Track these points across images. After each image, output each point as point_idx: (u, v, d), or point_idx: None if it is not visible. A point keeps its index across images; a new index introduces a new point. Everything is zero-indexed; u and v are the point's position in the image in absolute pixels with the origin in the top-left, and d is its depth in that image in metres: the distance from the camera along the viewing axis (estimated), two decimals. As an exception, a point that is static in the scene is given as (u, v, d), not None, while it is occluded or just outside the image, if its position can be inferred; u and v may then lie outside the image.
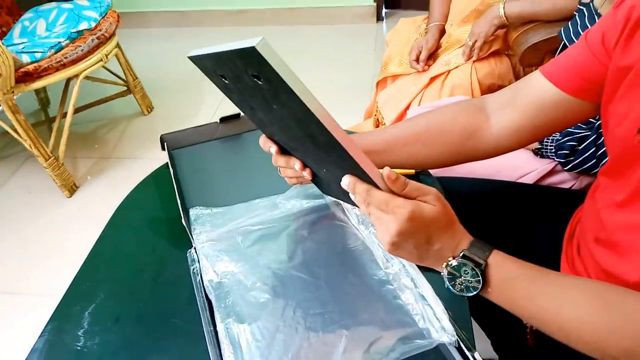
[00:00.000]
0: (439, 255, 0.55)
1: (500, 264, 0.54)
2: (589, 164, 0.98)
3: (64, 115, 1.87)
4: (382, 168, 0.55)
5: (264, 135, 0.69)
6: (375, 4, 2.88)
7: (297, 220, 0.80)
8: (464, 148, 0.74)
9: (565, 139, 1.00)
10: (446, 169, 1.03)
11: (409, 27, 1.69)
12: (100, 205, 1.79)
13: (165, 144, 1.11)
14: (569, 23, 1.09)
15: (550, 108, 0.69)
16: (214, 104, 2.34)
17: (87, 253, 0.82)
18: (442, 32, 1.55)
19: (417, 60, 1.49)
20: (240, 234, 0.78)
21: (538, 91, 0.69)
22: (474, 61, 1.40)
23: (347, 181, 0.54)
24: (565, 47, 1.09)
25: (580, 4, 1.08)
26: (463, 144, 0.74)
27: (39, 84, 1.68)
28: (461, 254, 0.54)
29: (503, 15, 1.32)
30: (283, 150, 0.68)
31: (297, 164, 0.66)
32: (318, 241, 0.76)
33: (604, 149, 0.95)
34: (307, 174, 0.66)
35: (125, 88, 2.24)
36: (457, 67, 1.42)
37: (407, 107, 1.46)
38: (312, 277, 0.70)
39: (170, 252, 0.85)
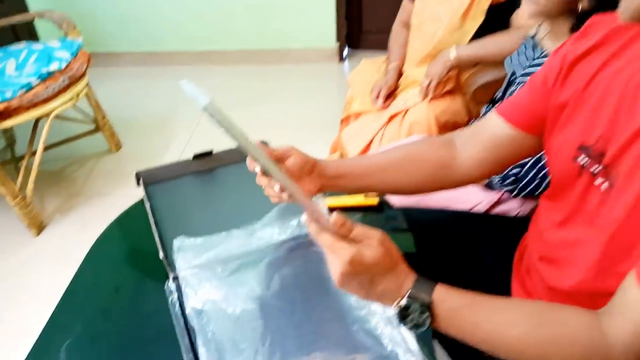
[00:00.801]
0: (384, 295, 0.59)
1: (444, 297, 0.59)
2: (533, 185, 1.09)
3: (33, 153, 1.88)
4: (359, 193, 0.62)
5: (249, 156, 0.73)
6: (337, 45, 3.03)
7: (276, 250, 0.85)
8: (435, 177, 0.82)
9: (509, 168, 1.10)
10: (410, 201, 1.11)
11: (369, 68, 1.81)
12: (68, 243, 1.78)
13: (140, 179, 1.15)
14: (513, 53, 1.22)
15: (505, 142, 0.78)
16: (182, 143, 2.38)
17: (56, 292, 0.83)
18: (400, 72, 1.67)
19: (378, 97, 1.60)
20: (220, 263, 0.83)
21: (494, 128, 0.79)
22: (429, 100, 1.51)
23: (304, 219, 0.59)
24: (511, 77, 1.22)
25: (525, 37, 1.21)
26: (435, 174, 0.82)
27: (9, 123, 1.70)
28: (408, 294, 0.58)
29: (455, 58, 1.45)
30: None
31: (276, 186, 0.71)
32: (295, 269, 0.81)
33: (544, 170, 1.07)
34: (285, 195, 0.72)
35: (94, 126, 2.27)
36: (414, 105, 1.53)
37: (370, 143, 1.55)
38: (289, 303, 0.75)
39: (148, 285, 0.89)
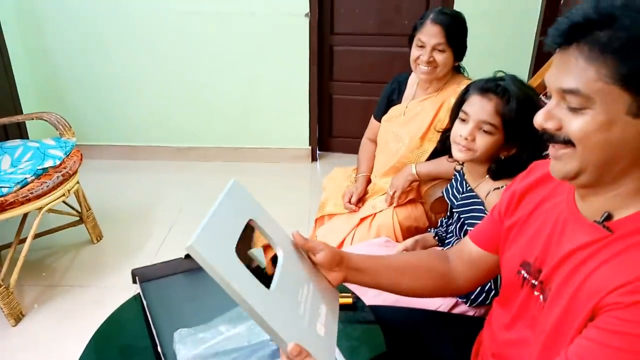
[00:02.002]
0: None
1: None
2: (481, 298, 1.28)
3: (19, 243, 1.95)
4: (374, 288, 0.80)
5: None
6: (310, 147, 3.30)
7: (269, 343, 0.97)
8: (437, 285, 1.00)
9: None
10: (378, 300, 1.26)
11: (341, 175, 2.03)
12: (46, 335, 1.82)
13: (136, 277, 1.25)
14: (448, 185, 1.44)
15: (480, 261, 0.99)
16: (160, 236, 2.49)
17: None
18: (368, 181, 1.90)
19: (349, 202, 1.80)
20: (218, 354, 0.94)
21: (469, 250, 1.01)
22: (394, 207, 1.72)
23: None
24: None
25: (455, 170, 1.44)
26: (438, 282, 0.99)
27: (3, 216, 1.80)
28: None
29: (415, 173, 1.69)
30: None
31: None
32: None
33: (489, 285, 1.26)
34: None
35: (78, 218, 2.37)
36: (381, 210, 1.74)
37: (342, 242, 1.72)
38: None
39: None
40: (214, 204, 0.75)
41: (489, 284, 1.25)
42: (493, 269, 0.99)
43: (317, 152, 3.38)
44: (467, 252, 1.01)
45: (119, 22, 2.97)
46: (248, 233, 0.84)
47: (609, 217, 0.70)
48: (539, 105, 1.16)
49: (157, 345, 0.99)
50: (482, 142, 1.22)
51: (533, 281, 0.82)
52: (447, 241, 1.45)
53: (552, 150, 0.72)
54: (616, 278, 0.65)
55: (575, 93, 0.64)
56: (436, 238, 1.51)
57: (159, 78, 3.12)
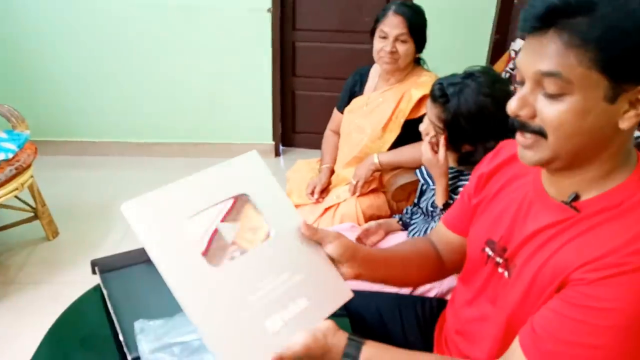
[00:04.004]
0: None
1: (372, 350, 0.76)
2: None
3: (-31, 241, 1.87)
4: (380, 283, 0.87)
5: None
6: (273, 143, 3.30)
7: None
8: (434, 273, 1.02)
9: None
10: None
11: (305, 167, 2.05)
12: (3, 332, 1.75)
13: (95, 267, 1.22)
14: (422, 166, 1.49)
15: (458, 246, 1.01)
16: (119, 232, 2.43)
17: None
18: (332, 172, 1.92)
19: (313, 193, 1.82)
20: (179, 344, 0.92)
21: (443, 234, 1.04)
22: (357, 196, 1.75)
23: None
24: (423, 185, 1.48)
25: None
26: (434, 270, 1.02)
27: (-49, 211, 1.72)
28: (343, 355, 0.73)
29: (377, 163, 1.72)
30: None
31: None
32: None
33: None
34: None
35: (33, 214, 2.29)
36: (345, 200, 1.76)
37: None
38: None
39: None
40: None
41: None
42: (460, 242, 1.01)
43: (281, 147, 3.38)
44: (444, 238, 1.03)
45: (78, 14, 2.88)
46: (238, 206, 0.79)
47: (576, 197, 0.72)
48: (491, 114, 1.23)
49: (118, 336, 0.97)
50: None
51: (497, 259, 0.84)
52: (411, 227, 1.48)
53: (521, 138, 0.71)
54: (582, 255, 0.67)
55: (555, 76, 0.63)
56: (400, 222, 1.55)
57: (119, 72, 3.04)
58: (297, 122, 3.39)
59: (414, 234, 1.45)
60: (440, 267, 1.03)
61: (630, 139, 0.70)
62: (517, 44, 1.91)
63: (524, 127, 0.70)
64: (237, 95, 3.15)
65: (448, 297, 1.32)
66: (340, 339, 0.75)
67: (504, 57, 2.02)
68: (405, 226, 1.54)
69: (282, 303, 0.74)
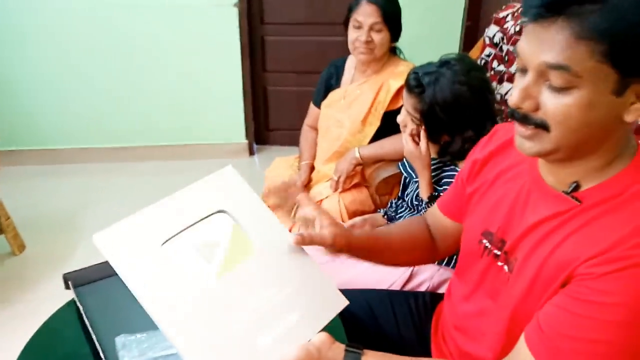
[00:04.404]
0: None
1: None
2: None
3: None
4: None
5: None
6: (247, 141, 3.22)
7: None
8: (425, 255, 1.02)
9: None
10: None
11: (283, 165, 1.99)
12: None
13: (69, 282, 1.14)
14: (404, 159, 1.46)
15: (451, 231, 0.99)
16: (90, 244, 2.28)
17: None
18: (312, 168, 1.87)
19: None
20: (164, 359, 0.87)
21: (438, 218, 1.02)
22: (340, 192, 1.71)
23: None
24: (406, 179, 1.45)
25: None
26: (426, 252, 1.01)
27: None
28: None
29: (359, 157, 1.68)
30: None
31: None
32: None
33: None
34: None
35: (-4, 229, 2.16)
36: (327, 197, 1.71)
37: (290, 230, 1.68)
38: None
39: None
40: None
41: None
42: (455, 228, 0.99)
43: (255, 145, 3.30)
44: (438, 221, 1.02)
45: (37, 16, 2.73)
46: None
47: (577, 187, 0.69)
48: (467, 102, 1.21)
49: (98, 353, 0.92)
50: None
51: (496, 251, 0.81)
52: (397, 219, 1.45)
53: (521, 129, 0.67)
54: (586, 249, 0.65)
55: (563, 69, 0.60)
56: (385, 217, 1.51)
57: (82, 75, 2.91)
58: (270, 118, 3.32)
59: None
60: (432, 250, 1.02)
61: (632, 129, 0.69)
62: (492, 30, 1.89)
63: (525, 120, 0.66)
64: (207, 93, 3.06)
65: (440, 291, 1.30)
66: (336, 352, 0.71)
67: (479, 44, 2.00)
68: (390, 220, 1.51)
69: (272, 318, 0.72)
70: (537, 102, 0.64)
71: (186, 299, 0.68)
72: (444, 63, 1.24)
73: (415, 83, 1.24)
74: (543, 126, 0.64)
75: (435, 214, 1.03)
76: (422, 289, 1.32)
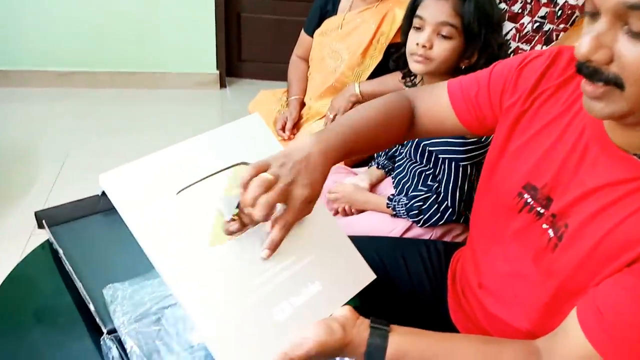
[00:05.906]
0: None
1: (400, 339, 0.64)
2: (435, 218, 1.20)
3: None
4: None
5: None
6: (218, 72, 3.00)
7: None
8: (401, 134, 0.85)
9: (412, 202, 1.21)
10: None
11: (270, 98, 1.84)
12: None
13: (43, 220, 1.00)
14: None
15: (441, 116, 0.84)
16: (49, 178, 2.11)
17: None
18: (302, 104, 1.73)
19: (283, 129, 1.63)
20: (163, 312, 0.78)
21: (442, 109, 0.84)
22: (334, 131, 1.59)
23: None
24: None
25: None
26: (402, 131, 0.84)
27: None
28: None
29: (358, 93, 1.56)
30: None
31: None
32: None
33: (444, 204, 1.18)
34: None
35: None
36: (319, 136, 1.59)
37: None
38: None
39: (74, 344, 0.79)
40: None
41: (446, 202, 1.18)
42: (458, 132, 0.87)
43: (226, 77, 3.09)
44: (440, 116, 0.85)
45: None
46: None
47: None
48: (500, 24, 1.11)
49: (83, 304, 0.82)
50: (441, 48, 1.11)
51: (539, 209, 0.71)
52: (396, 171, 1.35)
53: (589, 87, 0.57)
54: None
55: None
56: (379, 167, 1.42)
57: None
58: (243, 48, 3.09)
59: (399, 180, 1.32)
60: (407, 128, 0.86)
61: None
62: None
63: (595, 75, 0.55)
64: (174, 17, 2.81)
65: (446, 239, 1.24)
66: (360, 328, 0.64)
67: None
68: (384, 167, 1.42)
69: (290, 288, 0.66)
70: (611, 53, 0.54)
71: (199, 256, 0.62)
72: None
73: None
74: (616, 82, 0.54)
75: (438, 94, 0.86)
76: (426, 237, 1.26)
